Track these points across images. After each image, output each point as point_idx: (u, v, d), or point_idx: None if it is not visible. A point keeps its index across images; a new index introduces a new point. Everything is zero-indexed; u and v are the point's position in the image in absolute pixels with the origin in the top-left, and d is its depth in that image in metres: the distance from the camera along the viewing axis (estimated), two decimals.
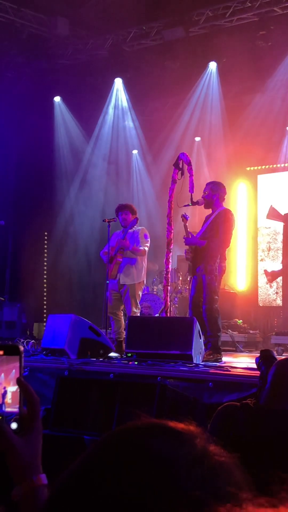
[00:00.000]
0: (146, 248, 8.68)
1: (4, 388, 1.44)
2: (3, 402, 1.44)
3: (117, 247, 8.65)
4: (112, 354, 7.73)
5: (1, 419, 1.42)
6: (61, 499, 0.91)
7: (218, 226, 7.73)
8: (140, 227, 8.88)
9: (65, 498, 0.90)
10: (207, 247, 7.67)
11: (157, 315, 10.79)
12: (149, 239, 8.74)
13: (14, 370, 1.44)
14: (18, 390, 1.43)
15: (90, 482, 0.89)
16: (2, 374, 1.44)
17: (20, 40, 12.13)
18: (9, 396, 1.44)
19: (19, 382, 1.42)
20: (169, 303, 8.61)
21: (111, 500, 0.86)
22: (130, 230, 8.71)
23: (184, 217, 7.98)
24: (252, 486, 0.92)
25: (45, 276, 13.61)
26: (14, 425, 1.42)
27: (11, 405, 1.44)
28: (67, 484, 0.92)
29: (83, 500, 0.88)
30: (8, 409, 1.44)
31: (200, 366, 6.83)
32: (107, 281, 8.77)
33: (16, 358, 1.45)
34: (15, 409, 1.43)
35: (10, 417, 1.42)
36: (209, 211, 8.10)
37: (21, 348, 1.46)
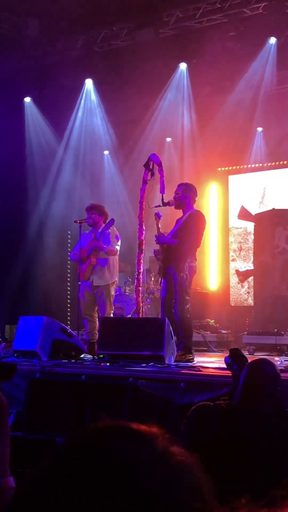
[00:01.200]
0: (118, 248, 8.70)
1: None
2: None
3: (90, 248, 8.64)
4: (85, 356, 7.72)
5: None
6: (22, 502, 0.91)
7: (189, 226, 7.78)
8: (111, 228, 8.88)
9: (26, 501, 0.90)
10: (178, 247, 7.71)
11: (129, 316, 10.80)
12: (118, 239, 8.76)
13: None
14: None
15: (51, 484, 0.89)
16: None
17: None
18: None
19: None
20: (141, 304, 8.61)
21: (72, 502, 0.85)
22: (99, 230, 8.71)
23: (157, 216, 8.01)
24: (215, 486, 0.93)
25: (17, 278, 13.52)
26: None
27: None
28: (28, 486, 0.92)
29: (44, 503, 0.87)
30: None
31: (172, 366, 6.84)
32: (79, 283, 8.76)
33: None
34: None
35: None
36: (180, 212, 8.15)
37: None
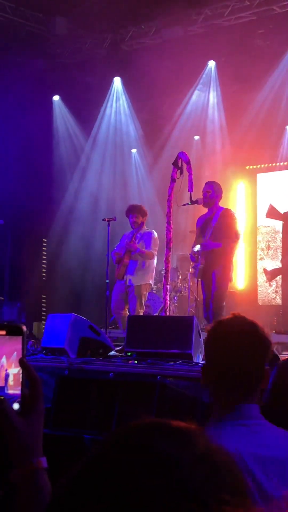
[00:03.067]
0: (154, 252, 8.72)
1: (6, 370, 1.43)
2: (5, 385, 1.43)
3: (124, 248, 8.70)
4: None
5: (3, 400, 1.40)
6: (64, 501, 0.91)
7: (227, 227, 7.83)
8: (150, 230, 8.88)
9: (68, 500, 0.90)
10: (223, 250, 7.79)
11: (156, 314, 10.79)
12: (157, 243, 8.77)
13: (15, 353, 1.43)
14: (20, 372, 1.42)
15: (93, 483, 0.89)
16: (4, 357, 1.43)
17: (19, 39, 12.13)
18: (11, 378, 1.43)
19: (21, 363, 1.41)
20: (168, 302, 8.61)
21: (115, 501, 0.86)
22: (141, 231, 8.73)
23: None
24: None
25: (44, 275, 13.60)
26: (16, 406, 1.41)
27: (13, 387, 1.43)
28: (70, 485, 0.92)
29: (87, 502, 0.88)
30: (10, 391, 1.43)
31: (200, 364, 6.83)
32: (107, 280, 8.81)
33: (18, 339, 1.43)
34: (17, 392, 1.42)
35: (12, 399, 1.41)
36: (203, 210, 8.20)
37: (24, 328, 1.45)
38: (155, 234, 8.81)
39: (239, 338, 2.24)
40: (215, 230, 7.88)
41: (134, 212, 8.82)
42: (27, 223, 12.96)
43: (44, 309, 13.35)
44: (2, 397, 1.40)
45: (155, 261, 8.90)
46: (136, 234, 8.71)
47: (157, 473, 0.87)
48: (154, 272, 9.04)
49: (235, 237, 7.85)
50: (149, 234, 8.73)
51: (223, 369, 2.23)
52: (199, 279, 8.06)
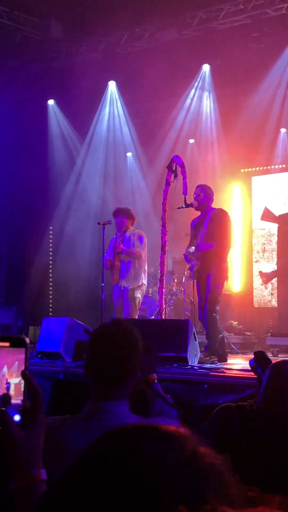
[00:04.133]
0: (143, 252, 8.72)
1: (7, 380, 1.44)
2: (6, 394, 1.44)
3: (113, 252, 8.73)
4: None
5: (4, 411, 1.41)
6: (54, 497, 0.92)
7: (219, 227, 7.82)
8: (136, 230, 8.93)
9: (58, 497, 0.91)
10: (215, 251, 7.77)
11: (152, 317, 10.79)
12: (145, 242, 8.78)
13: (17, 362, 1.43)
14: (21, 383, 1.42)
15: (83, 483, 0.90)
16: (5, 366, 1.44)
17: (13, 43, 12.14)
18: (12, 388, 1.44)
19: (23, 374, 1.41)
20: (164, 306, 8.62)
21: (103, 501, 0.86)
22: (127, 234, 8.77)
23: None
24: (242, 487, 0.93)
25: (40, 279, 13.59)
26: (17, 417, 1.41)
27: (14, 396, 1.43)
28: (61, 483, 0.93)
29: (76, 499, 0.88)
30: (11, 401, 1.43)
31: (195, 368, 6.83)
32: (102, 284, 8.82)
33: (20, 350, 1.44)
34: (18, 401, 1.42)
35: (14, 408, 1.41)
36: (196, 214, 8.22)
37: (27, 340, 1.45)
38: (141, 233, 8.88)
39: (106, 338, 2.48)
40: (207, 231, 7.89)
41: (120, 213, 8.88)
42: (23, 228, 12.96)
43: (40, 313, 13.32)
44: (3, 409, 1.41)
45: (146, 261, 8.92)
46: (122, 235, 8.74)
47: (144, 474, 0.88)
48: (146, 272, 9.04)
49: (227, 236, 7.82)
50: (140, 235, 8.77)
51: (94, 365, 2.44)
52: (194, 281, 8.06)
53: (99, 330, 2.63)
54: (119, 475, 0.88)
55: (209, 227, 7.89)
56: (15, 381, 1.43)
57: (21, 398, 1.42)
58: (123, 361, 2.43)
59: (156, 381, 3.06)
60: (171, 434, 0.96)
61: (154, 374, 3.08)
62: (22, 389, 1.42)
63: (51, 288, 13.40)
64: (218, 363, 7.56)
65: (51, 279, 13.47)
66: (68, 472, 0.94)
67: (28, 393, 1.42)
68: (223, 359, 7.75)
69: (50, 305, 12.94)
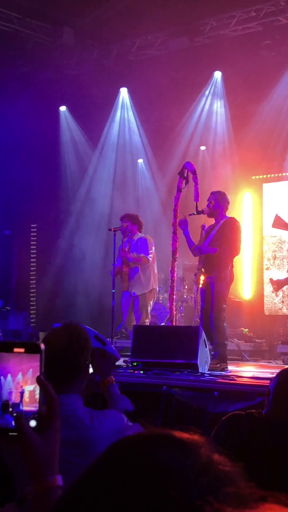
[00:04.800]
0: (149, 256, 8.71)
1: (22, 387, 1.44)
2: (21, 401, 1.44)
3: (121, 258, 8.76)
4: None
5: (21, 416, 1.41)
6: (68, 505, 0.92)
7: (226, 234, 7.80)
8: (143, 235, 8.94)
9: (72, 504, 0.91)
10: (218, 255, 7.73)
11: (162, 324, 10.79)
12: (151, 247, 8.77)
13: (31, 370, 1.44)
14: (36, 389, 1.43)
15: (97, 490, 0.90)
16: (20, 373, 1.44)
17: (26, 50, 12.20)
18: (26, 395, 1.44)
19: (38, 380, 1.42)
20: (174, 312, 8.61)
21: (117, 509, 0.86)
22: (135, 238, 8.78)
23: (202, 228, 8.04)
24: (256, 495, 0.93)
25: (51, 285, 13.61)
26: (33, 423, 1.41)
27: (29, 404, 1.44)
28: (75, 490, 0.93)
29: (90, 507, 0.88)
30: (25, 408, 1.43)
31: (205, 375, 6.82)
32: (113, 290, 8.83)
33: (35, 357, 1.44)
34: (32, 408, 1.43)
35: (27, 415, 1.42)
36: (212, 221, 8.17)
37: (42, 346, 1.46)
38: (149, 238, 8.86)
39: (56, 341, 2.76)
40: (215, 237, 7.88)
41: (124, 218, 8.90)
42: (34, 234, 13.00)
43: (50, 318, 13.34)
44: (20, 413, 1.41)
45: (154, 265, 8.90)
46: (128, 241, 8.76)
47: (160, 482, 0.88)
48: (156, 277, 9.02)
49: (232, 242, 7.77)
50: (143, 239, 8.77)
51: (47, 365, 2.59)
52: (199, 287, 8.03)
53: (51, 333, 2.91)
54: (135, 483, 0.88)
55: (217, 234, 7.88)
56: (30, 388, 1.44)
57: (36, 405, 1.43)
58: (71, 362, 2.73)
59: (113, 383, 3.28)
60: (186, 441, 0.96)
61: (112, 377, 3.29)
62: (37, 396, 1.43)
63: (61, 294, 13.41)
64: (229, 371, 7.55)
65: (62, 285, 13.48)
66: (83, 479, 0.94)
67: (43, 399, 1.42)
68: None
69: (61, 311, 12.95)
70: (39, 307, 13.12)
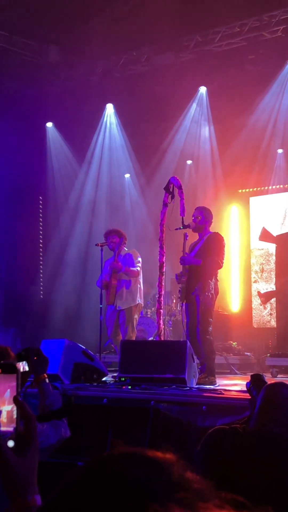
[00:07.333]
0: (139, 269, 8.76)
1: None
2: None
3: (110, 271, 8.74)
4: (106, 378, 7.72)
5: None
6: None
7: (210, 247, 7.85)
8: (130, 250, 8.97)
9: None
10: (202, 267, 7.77)
11: (151, 338, 10.78)
12: (138, 260, 8.82)
13: (8, 390, 1.44)
14: (13, 409, 1.43)
15: (72, 509, 0.91)
16: None
17: (12, 67, 12.24)
18: (4, 415, 1.44)
19: (15, 400, 1.42)
20: (162, 327, 8.61)
21: None
22: (122, 254, 8.81)
23: (185, 236, 8.09)
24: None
25: (39, 301, 13.58)
26: (10, 443, 1.41)
27: (6, 424, 1.44)
28: (48, 508, 0.94)
29: None
30: (3, 429, 1.44)
31: (194, 389, 6.82)
32: (101, 305, 8.82)
33: (12, 377, 1.45)
34: (10, 429, 1.43)
35: (5, 436, 1.42)
36: (195, 236, 8.24)
37: (18, 366, 1.46)
38: (135, 252, 8.90)
39: None
40: (199, 251, 7.93)
41: (110, 233, 8.94)
42: (22, 249, 12.98)
43: (38, 334, 13.28)
44: None
45: (140, 279, 8.92)
46: (118, 253, 8.79)
47: (132, 500, 0.89)
48: (142, 291, 9.04)
49: (216, 254, 7.81)
50: (129, 254, 8.81)
51: None
52: (183, 302, 8.04)
53: None
54: (108, 501, 0.89)
55: (202, 248, 7.94)
56: (7, 408, 1.44)
57: (13, 425, 1.43)
58: None
59: (47, 380, 3.56)
60: (158, 460, 0.97)
61: (45, 374, 3.56)
62: (15, 416, 1.43)
63: (50, 309, 13.38)
64: (217, 384, 7.55)
65: (51, 301, 13.45)
66: (57, 498, 0.95)
67: (21, 418, 1.43)
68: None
69: (49, 327, 12.91)
70: (27, 323, 13.06)
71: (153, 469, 0.95)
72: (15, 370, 1.46)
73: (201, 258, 7.84)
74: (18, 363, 1.48)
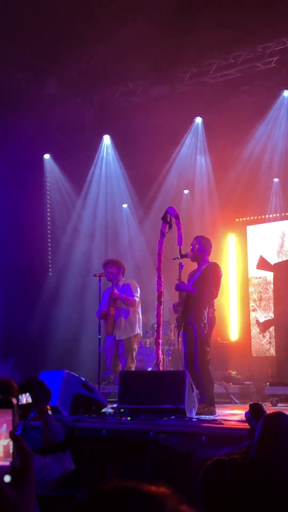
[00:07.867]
0: (137, 298, 8.75)
1: None
2: None
3: (108, 300, 8.74)
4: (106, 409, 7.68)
5: None
6: None
7: (207, 277, 7.86)
8: (128, 280, 8.98)
9: None
10: (197, 296, 7.77)
11: (150, 368, 10.74)
12: (136, 290, 8.82)
13: (5, 425, 1.44)
14: (9, 444, 1.43)
15: None
16: None
17: (10, 100, 12.35)
18: (0, 450, 1.44)
19: (11, 435, 1.42)
20: (161, 356, 8.59)
21: None
22: (120, 284, 8.81)
23: (180, 266, 8.11)
24: None
25: (36, 332, 13.54)
26: (7, 478, 1.41)
27: (3, 458, 1.44)
28: None
29: None
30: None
31: (193, 419, 6.78)
32: (99, 336, 8.81)
33: (8, 411, 1.45)
34: (6, 463, 1.43)
35: (1, 470, 1.42)
36: (193, 266, 8.25)
37: (14, 401, 1.47)
38: (133, 282, 8.90)
39: None
40: (197, 281, 7.94)
41: (108, 264, 8.96)
42: (20, 279, 12.98)
43: (36, 366, 13.23)
44: None
45: (139, 309, 8.92)
46: (116, 283, 8.79)
47: None
48: (141, 321, 9.03)
49: (212, 284, 7.81)
50: (128, 285, 8.82)
51: None
52: (180, 332, 8.03)
53: None
54: None
55: (199, 278, 7.95)
56: (4, 442, 1.44)
57: (10, 459, 1.43)
58: None
59: (49, 412, 3.55)
60: (152, 494, 0.99)
61: (48, 406, 3.55)
62: (11, 450, 1.43)
63: (48, 341, 13.34)
64: (217, 414, 7.51)
65: (49, 332, 13.42)
66: None
67: (17, 453, 1.43)
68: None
69: (48, 358, 12.86)
70: (26, 355, 13.01)
71: (147, 503, 0.96)
72: (11, 404, 1.46)
73: (197, 287, 7.85)
74: (22, 394, 1.48)
